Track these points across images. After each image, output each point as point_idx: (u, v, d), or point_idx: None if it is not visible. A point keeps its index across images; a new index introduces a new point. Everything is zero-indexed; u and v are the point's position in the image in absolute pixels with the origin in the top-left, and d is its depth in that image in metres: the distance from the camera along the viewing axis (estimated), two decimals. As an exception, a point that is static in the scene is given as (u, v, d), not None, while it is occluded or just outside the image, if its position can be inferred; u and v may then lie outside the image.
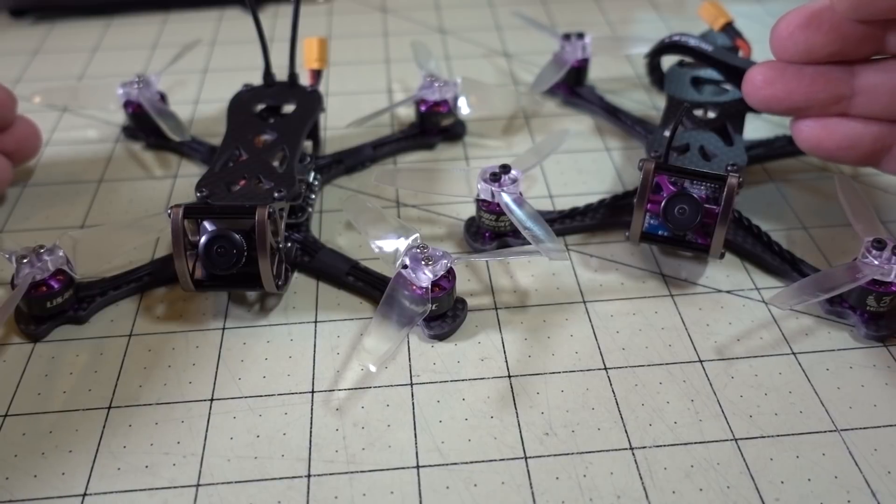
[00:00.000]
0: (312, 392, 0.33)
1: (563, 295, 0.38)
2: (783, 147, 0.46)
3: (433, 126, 0.48)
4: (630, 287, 0.38)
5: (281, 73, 0.45)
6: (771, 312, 0.36)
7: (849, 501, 0.29)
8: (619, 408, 0.32)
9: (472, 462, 0.30)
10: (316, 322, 0.36)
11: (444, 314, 0.35)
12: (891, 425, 0.31)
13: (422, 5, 0.66)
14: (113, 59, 0.59)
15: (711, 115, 0.43)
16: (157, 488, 0.29)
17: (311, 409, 0.32)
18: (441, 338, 0.35)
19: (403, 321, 0.33)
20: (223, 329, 0.36)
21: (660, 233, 0.37)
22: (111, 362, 0.34)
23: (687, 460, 0.30)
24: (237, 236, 0.34)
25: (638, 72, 0.55)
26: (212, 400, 0.33)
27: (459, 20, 0.64)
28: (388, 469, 0.30)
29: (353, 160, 0.46)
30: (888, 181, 0.45)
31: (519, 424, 0.32)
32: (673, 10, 0.65)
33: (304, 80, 0.45)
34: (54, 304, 0.35)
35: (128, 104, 0.47)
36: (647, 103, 0.52)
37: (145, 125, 0.48)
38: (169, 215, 0.33)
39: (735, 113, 0.42)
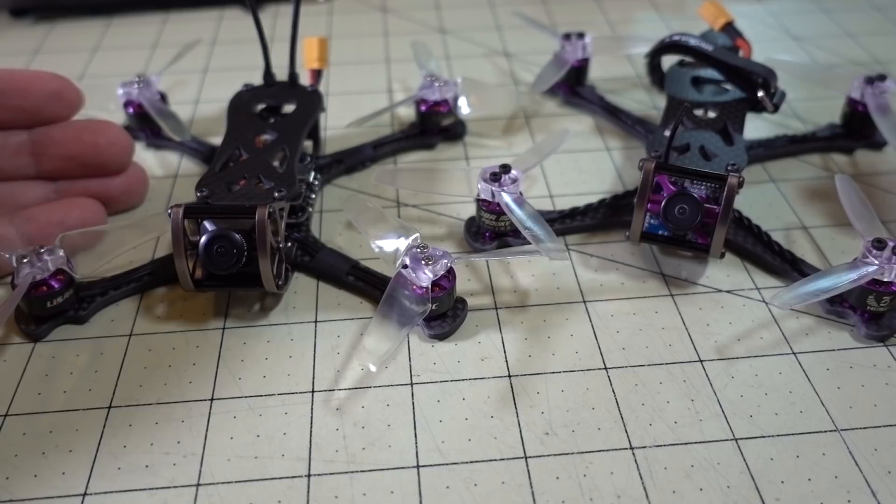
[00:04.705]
0: (312, 392, 0.33)
1: (564, 295, 0.38)
2: (783, 147, 0.46)
3: (433, 126, 0.48)
4: (630, 287, 0.38)
5: (281, 73, 0.45)
6: (771, 312, 0.36)
7: (849, 501, 0.29)
8: (619, 407, 0.32)
9: (472, 462, 0.30)
10: (316, 322, 0.36)
11: (445, 314, 0.35)
12: (891, 425, 0.31)
13: (422, 5, 0.66)
14: (113, 59, 0.59)
15: (712, 114, 0.43)
16: (157, 488, 0.29)
17: (312, 409, 0.32)
18: (441, 337, 0.35)
19: (404, 321, 0.33)
20: (223, 329, 0.36)
21: (660, 233, 0.37)
22: (111, 362, 0.34)
23: (687, 460, 0.30)
24: (237, 236, 0.34)
25: (638, 72, 0.55)
26: (212, 400, 0.33)
27: (459, 20, 0.64)
28: (388, 469, 0.30)
29: (354, 160, 0.46)
30: (888, 181, 0.45)
31: (519, 424, 0.32)
32: (673, 9, 0.65)
33: (305, 79, 0.45)
34: (54, 304, 0.35)
35: (128, 104, 0.47)
36: (648, 103, 0.52)
37: (146, 125, 0.48)
38: (169, 215, 0.33)
39: (735, 112, 0.42)
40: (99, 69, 0.58)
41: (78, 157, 0.40)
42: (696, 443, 0.31)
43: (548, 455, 0.30)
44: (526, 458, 0.30)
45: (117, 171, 0.42)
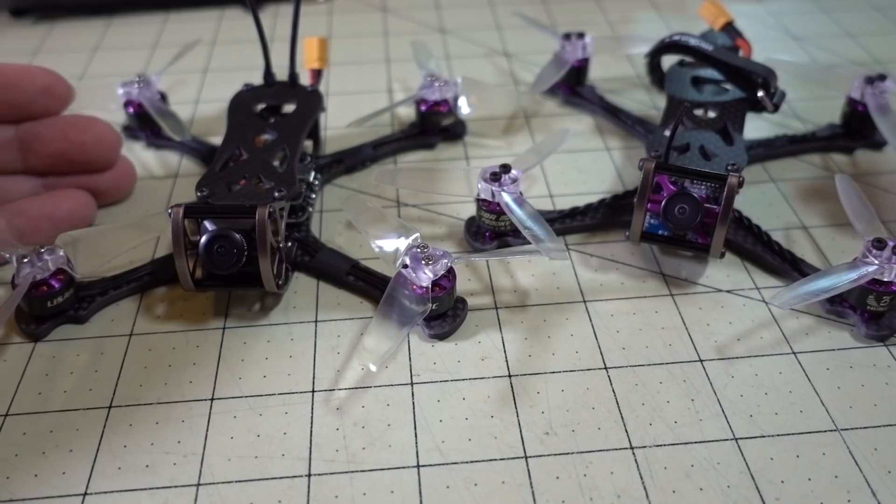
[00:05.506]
0: (313, 391, 0.33)
1: (564, 294, 0.38)
2: (783, 147, 0.46)
3: (433, 126, 0.48)
4: (630, 287, 0.38)
5: (281, 73, 0.45)
6: (771, 312, 0.36)
7: (849, 501, 0.29)
8: (619, 407, 0.32)
9: (472, 461, 0.30)
10: (316, 321, 0.36)
11: (445, 314, 0.35)
12: (891, 425, 0.31)
13: (422, 5, 0.66)
14: (113, 59, 0.59)
15: (712, 114, 0.43)
16: (157, 487, 0.29)
17: (312, 409, 0.32)
18: (441, 337, 0.35)
19: (404, 321, 0.33)
20: (223, 328, 0.36)
21: (660, 232, 0.37)
22: (111, 362, 0.34)
23: (687, 460, 0.30)
24: (237, 236, 0.34)
25: (638, 71, 0.55)
26: (212, 399, 0.33)
27: (459, 20, 0.64)
28: (388, 468, 0.30)
29: (354, 160, 0.46)
30: (888, 181, 0.45)
31: (519, 424, 0.32)
32: (673, 9, 0.65)
33: (305, 79, 0.45)
34: (55, 304, 0.35)
35: (128, 104, 0.47)
36: (648, 103, 0.52)
37: (146, 125, 0.48)
38: (169, 215, 0.33)
39: (735, 112, 0.42)
40: (99, 69, 0.58)
41: (65, 154, 0.40)
42: (696, 442, 0.31)
43: (548, 455, 0.30)
44: (526, 457, 0.30)
45: (105, 167, 0.41)
